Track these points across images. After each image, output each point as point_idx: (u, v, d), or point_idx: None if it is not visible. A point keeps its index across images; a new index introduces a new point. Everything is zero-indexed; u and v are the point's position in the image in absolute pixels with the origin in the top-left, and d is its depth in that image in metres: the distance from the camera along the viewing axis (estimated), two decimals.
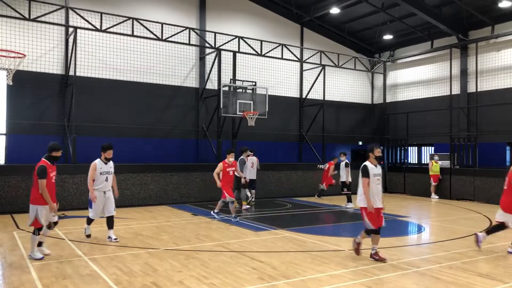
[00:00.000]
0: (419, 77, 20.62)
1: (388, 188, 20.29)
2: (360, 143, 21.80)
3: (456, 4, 16.93)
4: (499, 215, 8.27)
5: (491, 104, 17.09)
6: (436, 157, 17.86)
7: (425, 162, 20.34)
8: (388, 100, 21.96)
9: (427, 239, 9.82)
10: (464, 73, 18.51)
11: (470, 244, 8.71)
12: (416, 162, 20.97)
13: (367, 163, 7.40)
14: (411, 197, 18.09)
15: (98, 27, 14.42)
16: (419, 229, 10.89)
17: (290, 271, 6.62)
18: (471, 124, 18.19)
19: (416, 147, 21.15)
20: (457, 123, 18.62)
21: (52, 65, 14.74)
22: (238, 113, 15.93)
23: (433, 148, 19.96)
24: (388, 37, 20.58)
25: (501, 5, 15.86)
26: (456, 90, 18.77)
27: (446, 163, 18.05)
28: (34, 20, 13.54)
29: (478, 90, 17.84)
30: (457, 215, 13.01)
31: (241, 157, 14.09)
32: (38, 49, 14.47)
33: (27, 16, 13.32)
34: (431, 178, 17.75)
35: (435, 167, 17.68)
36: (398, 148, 20.93)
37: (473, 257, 7.67)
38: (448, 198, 17.22)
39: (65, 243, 8.57)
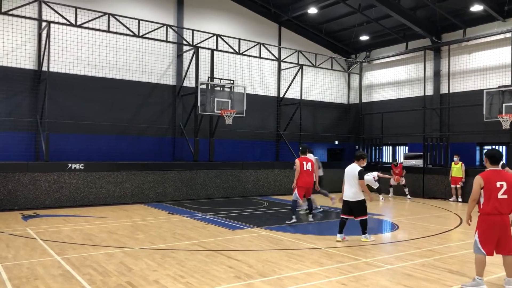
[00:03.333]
0: (394, 78, 21.01)
1: None
2: (336, 142, 22.06)
3: (430, 7, 17.32)
4: None
5: (462, 106, 17.57)
6: (455, 158, 16.43)
7: (399, 161, 20.70)
8: (363, 100, 22.29)
9: (400, 237, 10.02)
10: (437, 74, 18.97)
11: (441, 241, 8.95)
12: (391, 161, 21.33)
13: None
14: (385, 196, 18.41)
15: (73, 22, 14.10)
16: (393, 227, 11.11)
17: (267, 269, 6.65)
18: (443, 124, 18.66)
19: (390, 147, 21.55)
20: (430, 123, 19.08)
21: (24, 60, 14.33)
22: (215, 111, 15.87)
23: (407, 147, 20.38)
24: (364, 38, 20.88)
25: (473, 9, 16.31)
26: (429, 91, 19.22)
27: (419, 163, 18.46)
28: (6, 13, 13.14)
29: (450, 91, 18.32)
30: (429, 213, 13.32)
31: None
32: (10, 43, 14.06)
33: None
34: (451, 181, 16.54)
35: (453, 169, 16.41)
36: (373, 148, 21.29)
37: (445, 254, 7.88)
38: (421, 196, 17.62)
39: (36, 242, 8.37)
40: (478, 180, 5.85)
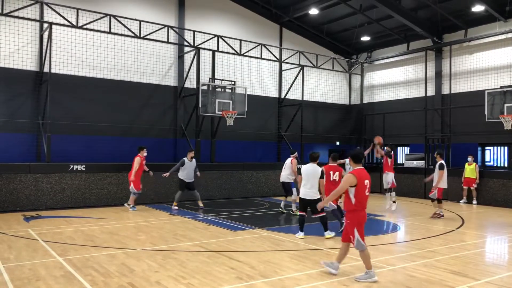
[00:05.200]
0: (396, 79, 20.99)
1: None
2: (338, 143, 22.05)
3: (431, 8, 17.30)
4: None
5: (464, 106, 17.55)
6: (469, 158, 15.86)
7: (401, 162, 20.70)
8: (365, 101, 22.28)
9: (402, 237, 10.02)
10: (438, 75, 18.95)
11: (443, 242, 8.94)
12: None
13: None
14: (387, 197, 18.38)
15: (74, 23, 14.13)
16: (394, 228, 11.10)
17: (268, 270, 6.65)
18: (445, 125, 18.63)
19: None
20: (431, 124, 19.05)
21: (26, 62, 14.36)
22: (217, 112, 15.87)
23: (408, 148, 20.35)
24: (365, 38, 20.87)
25: (474, 9, 16.29)
26: (431, 91, 19.20)
27: (421, 163, 18.44)
28: (7, 15, 13.17)
29: (452, 92, 18.30)
30: (430, 214, 13.26)
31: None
32: (11, 44, 14.09)
33: None
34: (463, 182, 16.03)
35: (466, 169, 15.91)
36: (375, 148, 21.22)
37: (446, 255, 7.87)
38: (423, 197, 17.58)
39: (38, 244, 8.37)
40: (351, 178, 6.24)
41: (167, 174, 13.52)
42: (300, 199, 9.34)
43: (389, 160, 14.09)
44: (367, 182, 6.34)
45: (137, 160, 13.02)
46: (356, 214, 6.30)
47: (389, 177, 14.01)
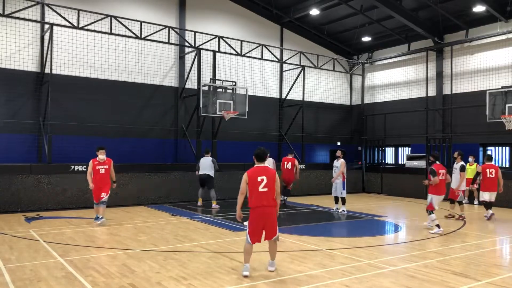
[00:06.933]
0: (397, 79, 20.98)
1: (365, 188, 20.59)
2: (339, 143, 22.03)
3: (432, 8, 17.29)
4: None
5: (465, 106, 17.53)
6: (470, 159, 15.38)
7: (402, 163, 20.69)
8: (366, 101, 22.27)
9: (403, 238, 10.00)
10: (439, 75, 18.94)
11: (445, 243, 8.93)
12: (393, 162, 21.31)
13: None
14: (388, 197, 18.38)
15: (75, 24, 14.15)
16: (396, 228, 11.08)
17: (269, 271, 6.63)
18: (446, 125, 18.62)
19: (393, 148, 21.51)
20: (432, 124, 19.04)
21: (27, 62, 14.39)
22: (218, 113, 15.87)
23: (409, 149, 20.34)
24: (366, 39, 20.85)
25: (475, 9, 16.27)
26: (432, 92, 19.18)
27: (422, 164, 18.42)
28: (9, 16, 13.20)
29: (453, 92, 18.28)
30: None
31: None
32: (13, 45, 14.11)
33: (1, 11, 12.99)
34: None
35: (468, 170, 14.76)
36: (376, 149, 21.24)
37: (448, 255, 7.85)
38: (424, 198, 17.55)
39: (40, 244, 8.38)
40: (244, 177, 6.66)
41: None
42: None
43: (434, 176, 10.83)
44: (261, 178, 6.53)
45: (89, 164, 10.90)
46: (250, 211, 6.67)
47: (429, 198, 10.76)
